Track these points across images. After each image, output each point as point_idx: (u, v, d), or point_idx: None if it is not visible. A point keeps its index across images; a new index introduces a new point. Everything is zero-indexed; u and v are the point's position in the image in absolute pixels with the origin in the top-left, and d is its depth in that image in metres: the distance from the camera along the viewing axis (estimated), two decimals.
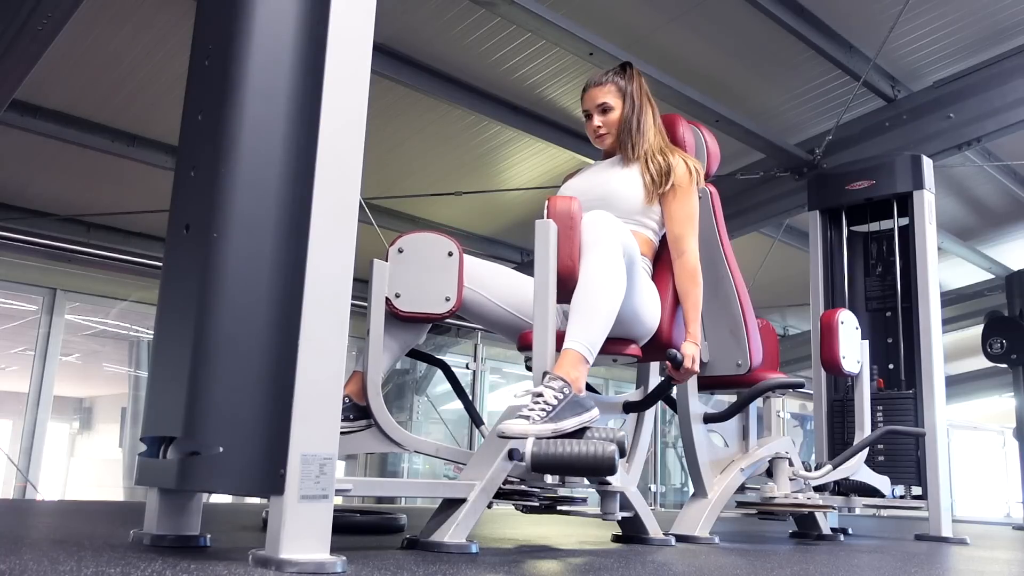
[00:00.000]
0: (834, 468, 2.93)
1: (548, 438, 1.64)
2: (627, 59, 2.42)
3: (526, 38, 4.32)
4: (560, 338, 1.82)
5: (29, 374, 6.42)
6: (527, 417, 1.67)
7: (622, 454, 1.67)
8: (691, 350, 2.11)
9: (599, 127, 2.30)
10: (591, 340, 1.79)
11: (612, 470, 1.59)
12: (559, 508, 2.01)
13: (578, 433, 1.69)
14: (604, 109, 2.29)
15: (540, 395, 1.69)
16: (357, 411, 1.99)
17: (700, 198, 2.30)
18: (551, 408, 1.66)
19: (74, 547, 1.44)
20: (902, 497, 3.71)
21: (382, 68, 4.34)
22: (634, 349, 2.11)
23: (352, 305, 1.40)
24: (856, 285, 4.15)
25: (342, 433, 1.42)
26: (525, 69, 4.68)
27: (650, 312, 2.09)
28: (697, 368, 2.12)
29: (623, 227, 1.93)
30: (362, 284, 1.87)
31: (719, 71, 4.74)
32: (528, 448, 1.63)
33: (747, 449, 2.80)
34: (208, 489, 1.46)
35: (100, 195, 6.13)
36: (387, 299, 2.00)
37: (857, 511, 3.63)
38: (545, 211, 1.87)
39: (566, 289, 1.84)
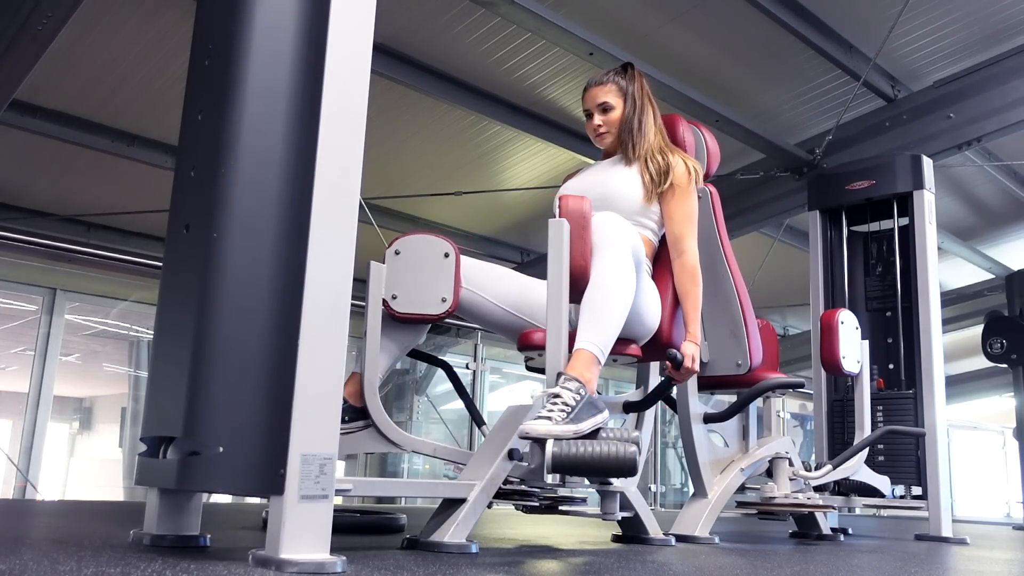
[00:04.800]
0: (834, 468, 2.93)
1: (569, 439, 1.62)
2: (627, 59, 2.42)
3: (526, 38, 4.31)
4: (572, 338, 1.81)
5: (29, 374, 6.41)
6: (548, 418, 1.64)
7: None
8: (691, 350, 2.11)
9: (599, 126, 2.31)
10: (604, 341, 1.78)
11: (634, 471, 1.58)
12: (559, 508, 2.01)
13: (593, 434, 1.67)
14: (605, 108, 2.29)
15: (558, 396, 1.67)
16: (354, 412, 2.00)
17: (700, 198, 2.31)
18: (570, 409, 1.64)
19: (74, 547, 1.44)
20: (902, 497, 3.71)
21: (382, 68, 4.34)
22: (634, 349, 2.11)
23: (352, 305, 1.40)
24: (856, 285, 4.15)
25: (340, 434, 1.44)
26: (525, 69, 4.67)
27: (652, 312, 2.10)
28: (697, 368, 2.12)
29: (632, 229, 1.93)
30: (362, 284, 1.87)
31: (719, 71, 4.74)
32: (548, 450, 1.60)
33: (747, 449, 2.80)
34: (208, 489, 1.46)
35: (100, 195, 6.12)
36: (384, 300, 2.00)
37: (857, 511, 3.64)
38: (556, 209, 1.85)
39: (577, 289, 1.83)
